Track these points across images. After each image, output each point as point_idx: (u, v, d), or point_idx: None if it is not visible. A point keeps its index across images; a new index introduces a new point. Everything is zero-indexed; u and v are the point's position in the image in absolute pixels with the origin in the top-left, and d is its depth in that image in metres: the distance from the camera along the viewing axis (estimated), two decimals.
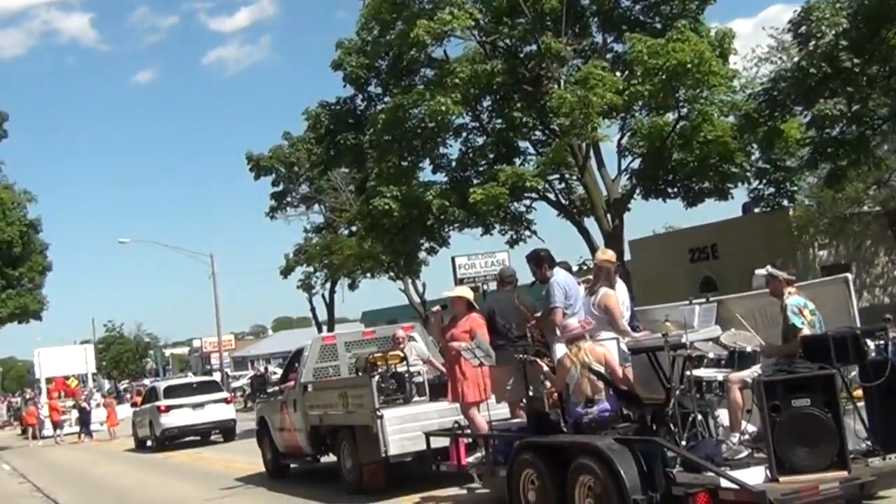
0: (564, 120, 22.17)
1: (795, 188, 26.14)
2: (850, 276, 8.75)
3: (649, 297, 22.23)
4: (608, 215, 25.02)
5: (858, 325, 8.35)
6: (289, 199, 48.08)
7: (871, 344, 7.49)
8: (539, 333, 9.84)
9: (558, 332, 9.54)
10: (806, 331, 7.83)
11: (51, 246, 41.19)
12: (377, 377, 12.77)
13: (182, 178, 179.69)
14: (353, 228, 43.67)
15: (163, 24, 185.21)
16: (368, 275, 43.30)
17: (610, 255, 10.44)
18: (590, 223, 26.54)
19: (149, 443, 27.51)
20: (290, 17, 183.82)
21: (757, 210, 29.80)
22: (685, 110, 23.49)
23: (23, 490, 19.62)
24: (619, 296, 9.72)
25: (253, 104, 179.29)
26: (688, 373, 8.04)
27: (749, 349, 8.43)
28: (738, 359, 8.38)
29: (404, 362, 13.56)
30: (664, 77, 21.87)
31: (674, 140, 23.84)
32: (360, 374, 13.76)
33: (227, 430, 27.20)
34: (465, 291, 11.42)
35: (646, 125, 24.37)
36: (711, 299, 10.02)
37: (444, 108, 23.12)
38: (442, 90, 23.45)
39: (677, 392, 8.23)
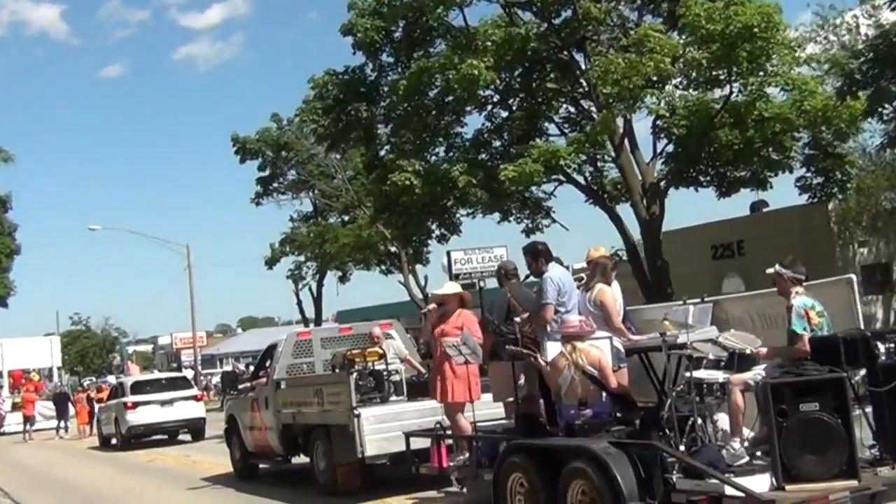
0: (612, 88, 19.98)
1: (847, 177, 23.13)
2: (854, 276, 8.39)
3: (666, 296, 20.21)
4: (644, 202, 22.95)
5: (862, 327, 8.06)
6: (276, 184, 46.26)
7: (881, 347, 7.16)
8: (529, 329, 9.44)
9: (549, 329, 9.18)
10: (806, 337, 7.48)
11: (19, 228, 39.45)
12: (355, 374, 12.37)
13: (154, 170, 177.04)
14: (346, 218, 42.20)
15: (133, 18, 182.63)
16: (362, 267, 41.86)
17: (603, 251, 10.07)
18: (622, 210, 24.49)
19: (114, 441, 26.63)
20: (263, 16, 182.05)
21: (763, 208, 28.03)
22: (736, 85, 20.84)
23: None
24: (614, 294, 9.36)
25: (225, 99, 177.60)
26: (687, 374, 7.67)
27: (749, 351, 8.07)
28: (737, 360, 8.02)
29: (383, 360, 13.16)
30: (724, 43, 19.42)
31: (723, 118, 21.23)
32: (336, 371, 13.34)
33: (196, 430, 26.35)
34: (458, 288, 11.04)
35: (690, 101, 21.56)
36: (707, 299, 9.67)
37: (475, 72, 20.72)
38: (472, 54, 21.22)
39: (673, 394, 7.90)
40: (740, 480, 6.69)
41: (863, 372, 7.32)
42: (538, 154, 20.93)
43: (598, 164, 24.88)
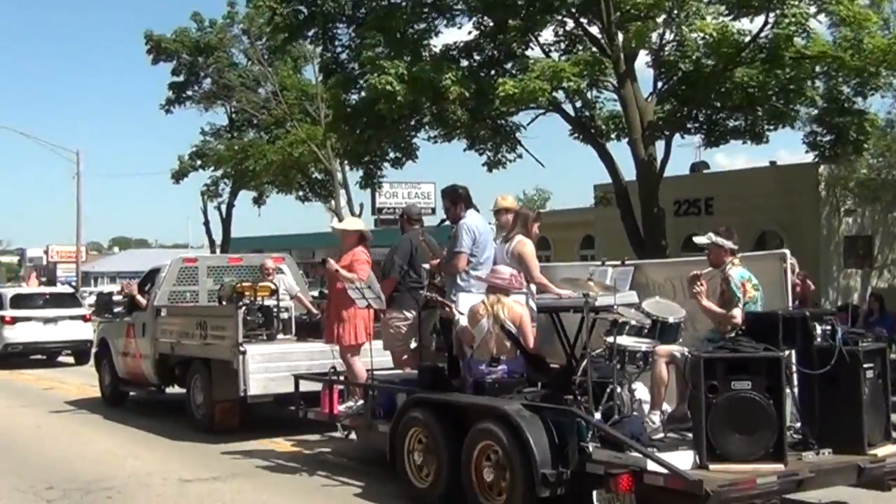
0: None
1: (865, 137, 19.87)
2: (787, 252, 8.02)
3: (613, 254, 18.52)
4: (643, 141, 20.23)
5: (790, 304, 7.75)
6: (191, 91, 42.55)
7: (818, 328, 6.82)
8: (436, 277, 8.86)
9: (458, 280, 8.61)
10: (739, 307, 7.12)
11: None
12: (243, 309, 11.61)
13: (45, 69, 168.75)
14: (265, 134, 39.72)
15: None
16: (280, 190, 39.94)
17: (512, 200, 9.34)
18: (614, 148, 21.90)
19: None
20: None
21: (703, 169, 26.52)
22: (773, 15, 18.05)
23: None
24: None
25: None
26: (610, 339, 7.20)
27: (672, 320, 7.66)
28: (660, 330, 7.60)
29: (274, 295, 12.41)
30: None
31: (753, 53, 18.60)
32: (223, 302, 12.55)
33: (80, 352, 23.89)
34: (357, 224, 10.34)
35: (711, 29, 18.06)
36: (627, 263, 9.24)
37: None
38: None
39: (589, 358, 7.42)
40: (662, 456, 6.27)
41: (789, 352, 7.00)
42: (540, 71, 18.44)
43: (593, 94, 22.21)
